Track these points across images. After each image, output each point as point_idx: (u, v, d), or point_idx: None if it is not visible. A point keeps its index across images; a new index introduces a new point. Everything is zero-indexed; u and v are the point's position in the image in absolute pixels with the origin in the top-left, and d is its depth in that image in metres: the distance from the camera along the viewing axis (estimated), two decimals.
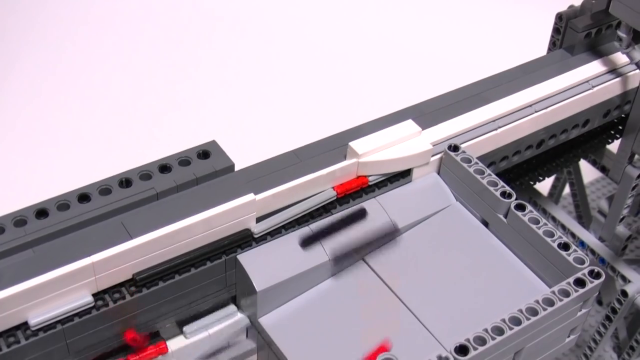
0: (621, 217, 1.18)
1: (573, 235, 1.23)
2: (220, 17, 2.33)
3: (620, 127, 1.17)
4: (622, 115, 1.13)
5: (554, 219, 1.25)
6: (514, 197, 0.86)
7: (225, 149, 0.88)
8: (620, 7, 1.00)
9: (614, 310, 1.18)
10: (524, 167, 1.17)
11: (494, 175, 0.88)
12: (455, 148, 0.91)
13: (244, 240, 0.83)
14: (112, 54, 2.16)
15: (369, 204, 0.89)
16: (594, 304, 1.37)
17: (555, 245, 0.82)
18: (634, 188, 1.15)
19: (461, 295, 0.85)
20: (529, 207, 0.85)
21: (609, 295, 1.37)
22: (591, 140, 1.21)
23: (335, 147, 0.90)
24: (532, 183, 1.24)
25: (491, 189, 0.87)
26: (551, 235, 0.83)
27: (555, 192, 1.50)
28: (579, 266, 0.81)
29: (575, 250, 0.82)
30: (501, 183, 0.88)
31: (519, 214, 0.85)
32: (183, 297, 0.82)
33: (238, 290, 0.86)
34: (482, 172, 0.89)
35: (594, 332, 1.23)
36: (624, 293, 1.16)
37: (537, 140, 1.03)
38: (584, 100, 1.04)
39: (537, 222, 0.84)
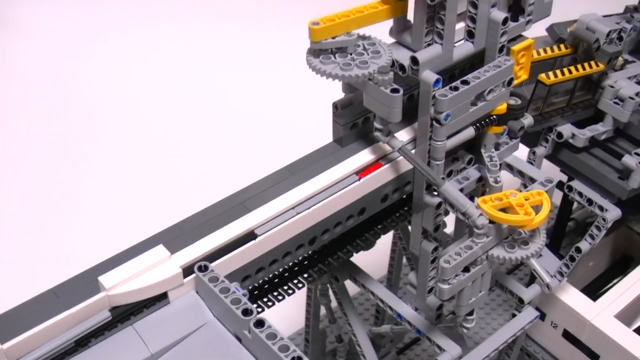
0: (429, 288, 1.25)
1: (391, 308, 1.30)
2: None
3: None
4: (404, 197, 1.20)
5: (373, 293, 1.32)
6: (254, 314, 0.94)
7: None
8: (371, 100, 1.08)
9: None
10: (340, 241, 1.23)
11: (238, 293, 0.96)
12: (204, 268, 0.99)
13: None
14: None
15: (125, 333, 0.97)
16: None
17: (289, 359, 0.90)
18: (433, 260, 1.23)
19: None
20: (267, 323, 0.93)
21: None
22: (401, 208, 1.28)
23: (90, 281, 0.98)
24: (355, 253, 1.30)
25: (233, 307, 0.94)
26: (286, 349, 0.91)
27: (395, 256, 1.57)
28: None
29: None
30: (244, 300, 0.95)
31: (257, 330, 0.92)
32: None
33: None
34: (227, 291, 0.96)
35: None
36: None
37: (308, 239, 1.10)
38: (354, 192, 1.11)
39: (274, 337, 0.92)
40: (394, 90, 1.05)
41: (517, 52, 1.17)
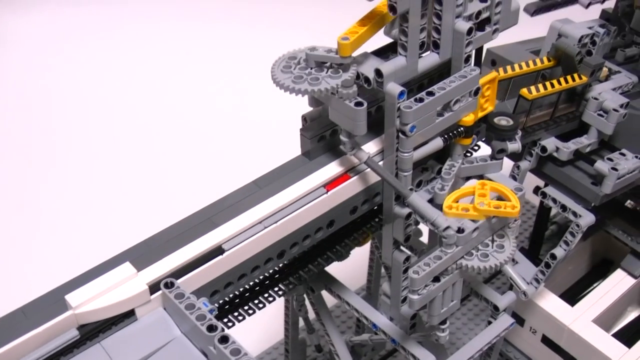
0: (402, 297, 1.26)
1: (366, 318, 1.31)
2: None
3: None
4: (374, 208, 1.21)
5: (348, 304, 1.33)
6: (219, 330, 0.95)
7: None
8: (336, 114, 1.09)
9: None
10: (310, 253, 1.24)
11: (203, 309, 0.97)
12: (170, 284, 1.00)
13: None
14: None
15: (93, 350, 0.98)
16: None
17: None
18: (405, 270, 1.24)
19: None
20: (232, 339, 0.94)
21: None
22: (372, 220, 1.28)
23: (57, 300, 0.99)
24: (326, 265, 1.31)
25: (198, 323, 0.96)
26: None
27: (373, 264, 1.59)
28: None
29: None
30: (209, 316, 0.96)
31: (222, 346, 0.93)
32: None
33: None
34: (192, 307, 0.98)
35: None
36: None
37: (277, 252, 1.11)
38: (322, 204, 1.12)
39: (238, 353, 0.93)
40: (358, 104, 1.06)
41: (482, 85, 1.18)
